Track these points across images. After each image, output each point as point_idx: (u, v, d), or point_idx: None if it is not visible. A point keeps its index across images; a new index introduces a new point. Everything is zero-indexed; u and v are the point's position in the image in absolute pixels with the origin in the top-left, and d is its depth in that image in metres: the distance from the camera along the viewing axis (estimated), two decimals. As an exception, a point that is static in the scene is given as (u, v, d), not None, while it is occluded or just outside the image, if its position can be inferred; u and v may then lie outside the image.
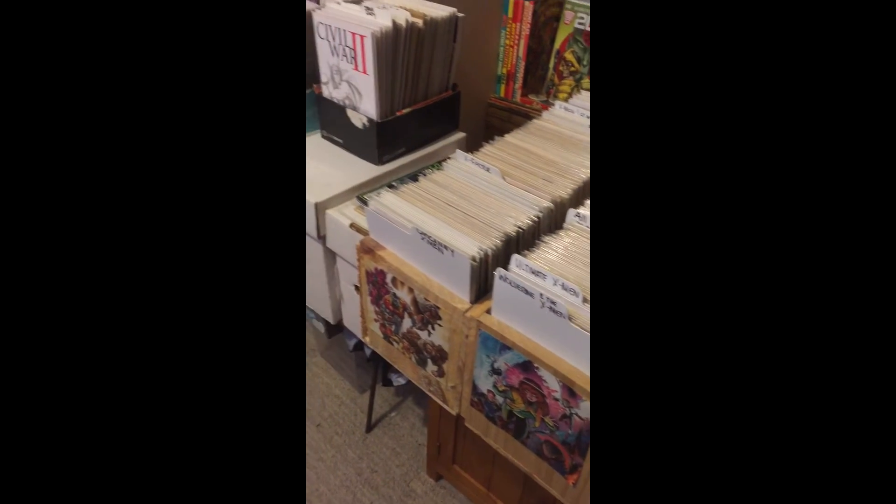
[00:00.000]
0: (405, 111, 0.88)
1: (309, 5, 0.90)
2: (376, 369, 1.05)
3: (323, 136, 0.96)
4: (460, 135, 1.00)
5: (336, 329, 1.09)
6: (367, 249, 0.62)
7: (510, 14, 1.12)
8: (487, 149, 0.72)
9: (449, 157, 0.70)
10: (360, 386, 1.17)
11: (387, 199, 0.60)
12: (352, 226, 0.77)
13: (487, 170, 0.65)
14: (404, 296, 0.60)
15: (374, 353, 0.93)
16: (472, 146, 1.01)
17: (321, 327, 1.08)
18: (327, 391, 1.16)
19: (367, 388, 1.16)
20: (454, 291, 0.55)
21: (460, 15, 0.89)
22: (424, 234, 0.54)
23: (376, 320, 0.68)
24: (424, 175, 0.66)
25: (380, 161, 0.90)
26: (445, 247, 0.52)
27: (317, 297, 0.94)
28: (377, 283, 0.63)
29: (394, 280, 0.60)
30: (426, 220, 0.57)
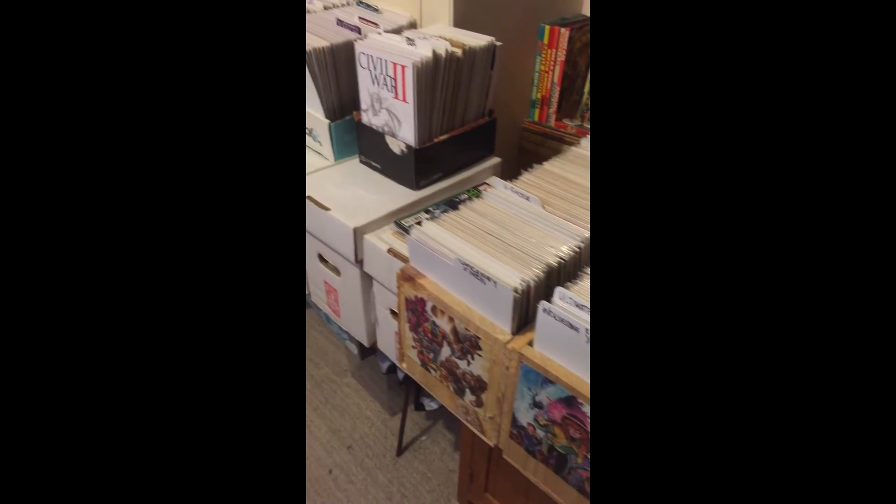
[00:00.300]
0: (442, 138, 0.90)
1: (350, 35, 0.93)
2: (408, 393, 1.05)
3: (361, 161, 0.98)
4: (496, 160, 1.00)
5: (369, 351, 1.09)
6: (407, 277, 0.62)
7: (545, 40, 1.13)
8: (526, 177, 0.72)
9: (487, 185, 0.70)
10: (391, 408, 1.16)
11: (428, 229, 0.60)
12: (390, 251, 0.78)
13: (527, 198, 0.65)
14: (444, 325, 0.60)
15: (406, 376, 0.93)
16: (506, 170, 1.01)
17: (354, 349, 1.09)
18: (359, 412, 1.16)
19: (398, 410, 1.16)
20: (495, 322, 0.55)
21: (498, 44, 0.91)
22: (467, 265, 0.54)
23: (414, 347, 0.68)
24: (463, 203, 0.66)
25: (417, 186, 0.91)
26: (488, 278, 0.52)
27: (352, 319, 0.95)
28: (417, 311, 0.63)
29: (434, 308, 0.60)
30: (467, 250, 0.57)
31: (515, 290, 0.51)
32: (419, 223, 0.62)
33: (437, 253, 0.57)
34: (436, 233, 0.60)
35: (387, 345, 0.92)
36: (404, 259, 0.76)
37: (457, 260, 0.55)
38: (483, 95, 0.95)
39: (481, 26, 0.96)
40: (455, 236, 0.59)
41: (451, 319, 0.58)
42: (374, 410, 1.16)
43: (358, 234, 0.81)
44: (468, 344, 0.58)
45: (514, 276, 0.53)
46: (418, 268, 0.62)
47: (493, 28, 0.97)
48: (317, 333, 1.37)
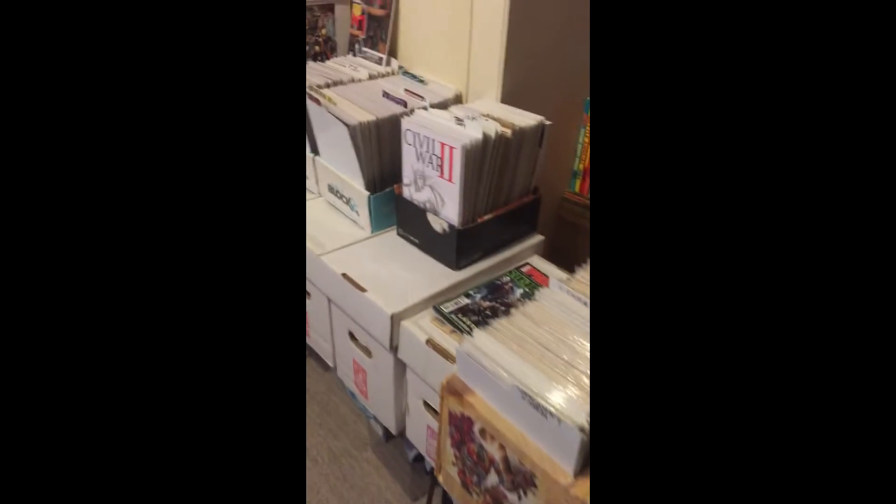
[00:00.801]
0: (486, 217, 0.86)
1: (396, 108, 0.91)
2: (433, 485, 0.98)
3: (399, 234, 0.95)
4: (538, 238, 0.96)
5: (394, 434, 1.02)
6: (454, 391, 0.56)
7: (590, 113, 1.10)
8: (583, 275, 0.66)
9: (542, 287, 0.65)
10: (414, 492, 1.09)
11: (480, 341, 0.55)
12: (428, 342, 0.72)
13: (585, 304, 0.59)
14: (494, 451, 0.54)
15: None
16: (546, 244, 0.97)
17: (379, 430, 1.03)
18: (378, 495, 1.09)
19: (420, 495, 1.08)
20: (556, 461, 0.49)
21: (547, 123, 0.88)
22: (526, 394, 0.48)
23: (455, 464, 0.62)
24: (516, 307, 0.61)
25: (457, 266, 0.86)
26: (550, 412, 0.47)
27: (380, 403, 0.89)
28: (462, 429, 0.58)
29: (483, 431, 0.54)
30: (525, 371, 0.51)
31: (582, 430, 0.45)
32: (469, 331, 0.57)
33: (491, 373, 0.51)
34: (488, 346, 0.54)
35: (417, 436, 0.85)
36: (443, 352, 0.70)
37: (514, 387, 0.49)
38: (529, 173, 0.92)
39: (528, 100, 0.94)
40: (510, 351, 0.53)
41: (502, 447, 0.52)
42: (394, 493, 1.09)
43: (395, 320, 0.77)
44: (521, 478, 0.51)
45: (580, 411, 0.47)
46: (468, 383, 0.56)
47: (540, 101, 0.94)
48: (338, 400, 1.31)
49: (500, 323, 0.57)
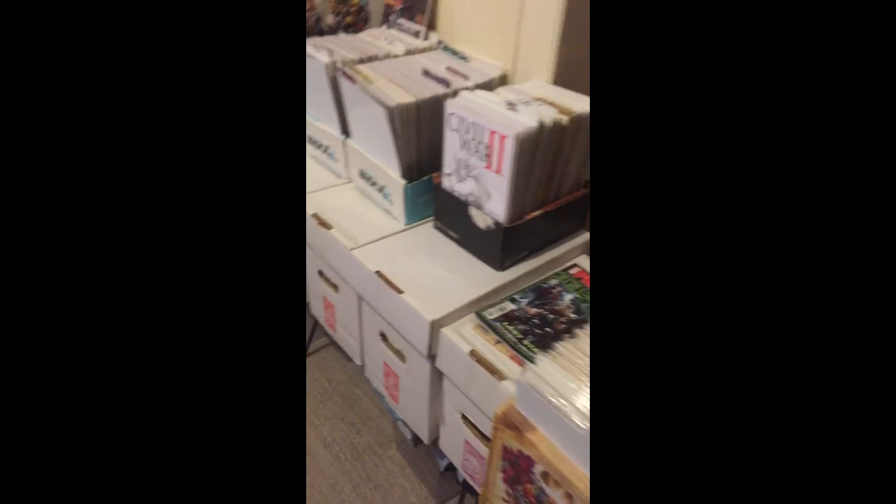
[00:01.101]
0: (535, 214, 0.78)
1: (437, 89, 0.82)
2: (464, 493, 0.92)
3: (435, 227, 0.87)
4: (587, 236, 0.87)
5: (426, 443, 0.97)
6: (511, 425, 0.50)
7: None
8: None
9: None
10: (440, 495, 1.04)
11: (545, 369, 0.48)
12: (472, 354, 0.65)
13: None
14: (558, 498, 0.47)
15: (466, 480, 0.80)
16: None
17: (408, 434, 0.97)
18: (403, 497, 1.04)
19: (447, 499, 1.03)
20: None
21: (608, 109, 0.78)
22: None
23: (506, 501, 0.55)
24: (581, 326, 0.54)
25: (501, 266, 0.79)
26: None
27: (412, 410, 0.83)
28: (519, 467, 0.51)
29: (545, 475, 0.47)
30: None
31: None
32: (531, 359, 0.50)
33: (561, 412, 0.44)
34: (554, 377, 0.47)
35: (452, 448, 0.79)
36: (489, 367, 0.63)
37: (588, 431, 0.42)
38: (582, 165, 0.83)
39: (581, 80, 0.84)
40: (580, 384, 0.46)
41: (569, 496, 0.45)
42: (420, 496, 1.04)
43: (435, 327, 0.70)
44: (591, 532, 0.45)
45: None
46: (529, 418, 0.49)
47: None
48: (361, 393, 1.26)
49: (564, 347, 0.50)
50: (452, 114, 0.75)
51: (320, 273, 0.94)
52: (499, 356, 0.66)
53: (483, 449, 0.71)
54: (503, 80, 0.92)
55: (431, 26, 1.03)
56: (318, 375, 1.31)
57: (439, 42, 1.00)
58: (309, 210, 0.88)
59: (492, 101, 0.75)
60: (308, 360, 1.35)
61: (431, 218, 0.88)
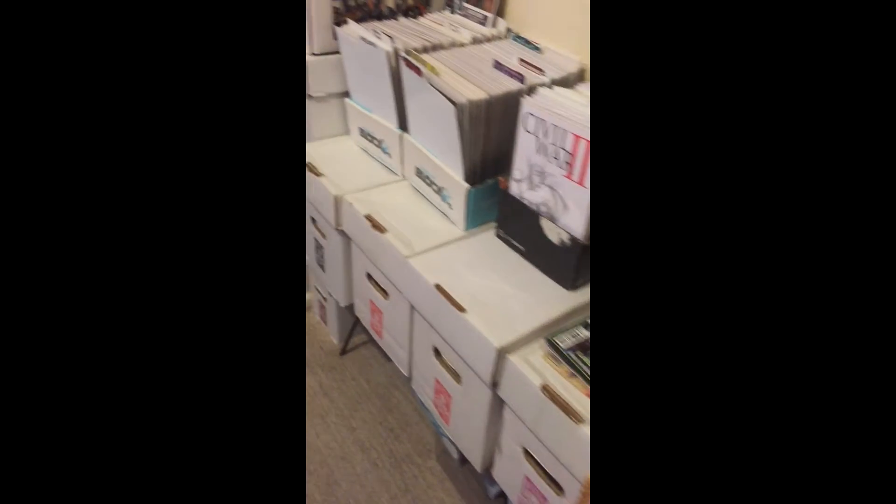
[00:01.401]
0: (616, 229, 0.69)
1: (511, 84, 0.74)
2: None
3: (497, 235, 0.80)
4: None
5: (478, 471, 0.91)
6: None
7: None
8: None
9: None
10: (481, 513, 0.98)
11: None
12: (545, 389, 0.58)
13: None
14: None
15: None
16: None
17: (455, 453, 0.91)
18: (441, 511, 0.99)
19: (488, 518, 0.98)
20: None
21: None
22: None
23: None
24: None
25: (573, 286, 0.71)
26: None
27: (465, 435, 0.77)
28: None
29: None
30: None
31: None
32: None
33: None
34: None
35: (509, 482, 0.73)
36: (565, 407, 0.56)
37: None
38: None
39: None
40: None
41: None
42: (459, 512, 0.99)
43: (501, 354, 0.63)
44: None
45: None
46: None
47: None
48: (401, 396, 1.21)
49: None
50: (530, 114, 0.67)
51: (368, 276, 0.88)
52: (573, 392, 0.58)
53: (547, 490, 0.64)
54: (581, 76, 0.83)
55: (500, 13, 0.94)
56: (356, 375, 1.27)
57: (508, 30, 0.92)
58: (361, 209, 0.82)
59: (576, 102, 0.66)
60: (346, 358, 1.31)
61: (492, 224, 0.81)
